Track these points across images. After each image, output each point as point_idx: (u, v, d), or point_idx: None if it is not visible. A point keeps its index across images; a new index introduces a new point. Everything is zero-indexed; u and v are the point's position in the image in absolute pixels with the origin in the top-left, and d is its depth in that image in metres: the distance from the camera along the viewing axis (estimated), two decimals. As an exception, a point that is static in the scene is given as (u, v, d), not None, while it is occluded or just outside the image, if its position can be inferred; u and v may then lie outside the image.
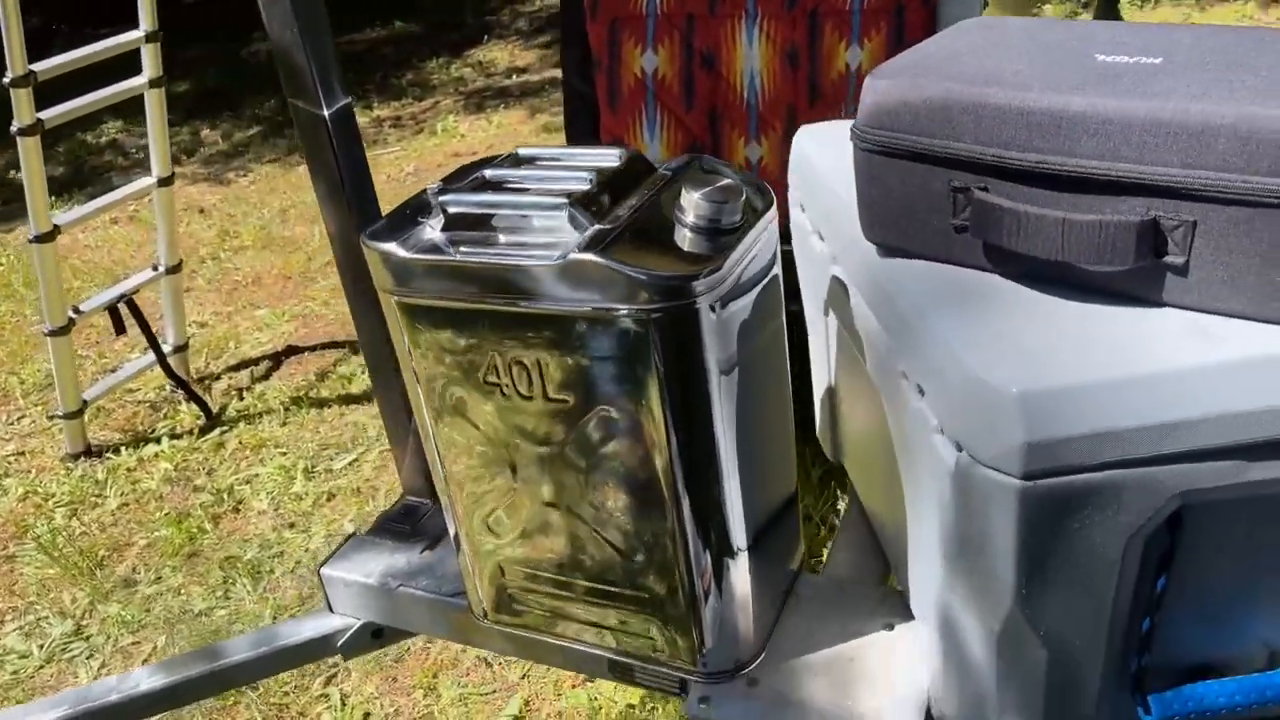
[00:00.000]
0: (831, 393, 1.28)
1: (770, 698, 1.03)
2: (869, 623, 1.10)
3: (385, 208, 4.05)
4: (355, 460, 2.77)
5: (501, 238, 0.93)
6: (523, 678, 2.04)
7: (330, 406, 3.03)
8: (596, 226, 0.89)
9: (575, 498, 1.00)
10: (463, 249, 0.92)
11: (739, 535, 0.99)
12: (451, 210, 0.95)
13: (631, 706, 1.90)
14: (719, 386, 0.91)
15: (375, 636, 1.34)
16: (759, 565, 1.04)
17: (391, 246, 0.94)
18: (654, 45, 1.77)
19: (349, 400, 3.04)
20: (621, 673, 1.15)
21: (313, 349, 3.37)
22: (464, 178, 1.04)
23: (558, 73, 5.97)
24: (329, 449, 2.84)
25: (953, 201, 0.83)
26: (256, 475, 2.78)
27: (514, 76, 6.09)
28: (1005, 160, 0.78)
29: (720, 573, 1.00)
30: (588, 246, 0.87)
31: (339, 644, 1.32)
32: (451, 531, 1.13)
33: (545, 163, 1.02)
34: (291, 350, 3.38)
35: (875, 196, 0.88)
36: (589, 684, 1.98)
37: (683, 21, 1.75)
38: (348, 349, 3.32)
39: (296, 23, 1.07)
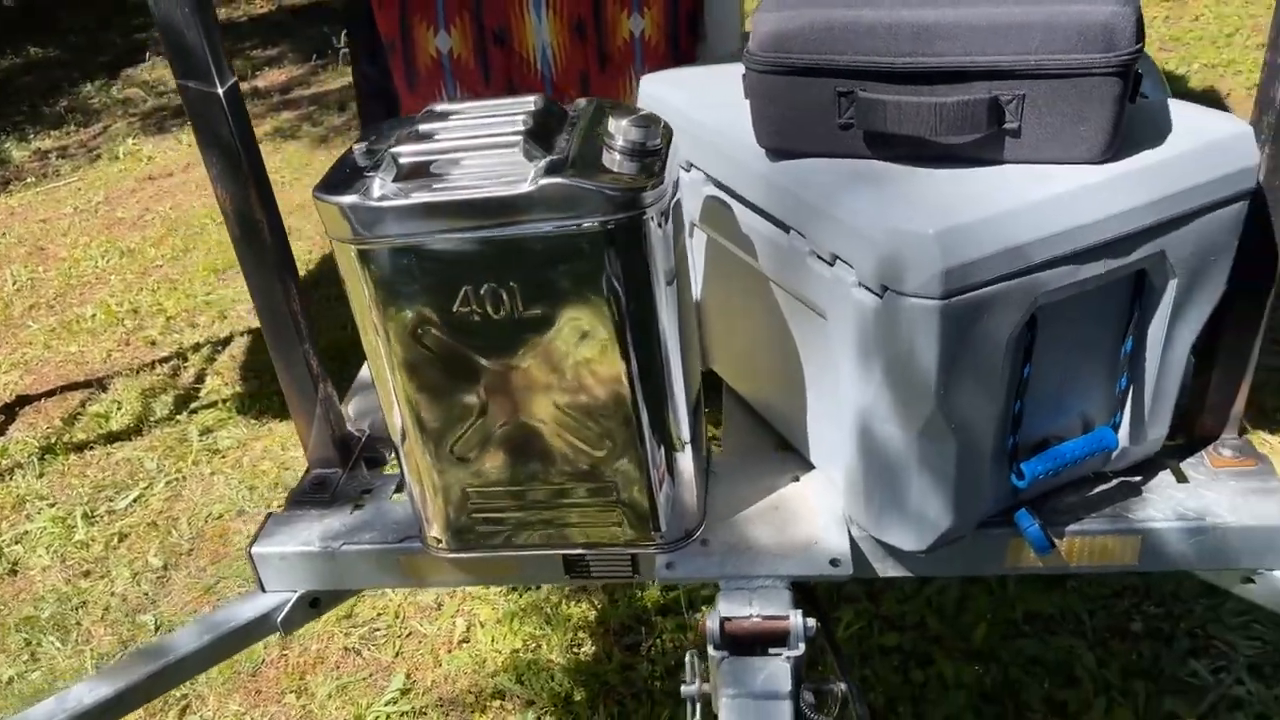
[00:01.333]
0: (699, 308, 1.47)
1: (722, 550, 1.22)
2: (779, 479, 1.32)
3: (81, 248, 3.88)
4: (140, 496, 2.61)
5: (457, 178, 1.03)
6: (397, 655, 2.07)
7: (93, 448, 2.81)
8: (549, 157, 1.02)
9: (544, 408, 1.13)
10: (430, 190, 1.01)
11: (683, 425, 1.16)
12: (404, 160, 1.04)
13: (516, 650, 2.01)
14: (663, 295, 1.07)
15: (313, 605, 1.37)
16: (694, 449, 1.21)
17: (355, 198, 1.02)
18: (446, 27, 1.87)
19: (112, 438, 2.84)
20: (577, 570, 1.29)
21: (50, 394, 3.09)
22: (385, 136, 1.12)
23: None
24: (105, 490, 2.65)
25: (838, 104, 1.04)
26: (26, 533, 2.55)
27: (190, 94, 5.74)
28: (879, 65, 1.00)
29: (670, 458, 1.17)
30: (552, 172, 1.00)
31: (279, 619, 1.34)
32: (407, 474, 1.21)
33: (468, 114, 1.13)
34: (24, 400, 3.08)
35: (769, 110, 1.08)
36: (466, 644, 2.06)
37: (472, 2, 1.86)
38: (94, 387, 3.08)
39: (187, 2, 1.10)
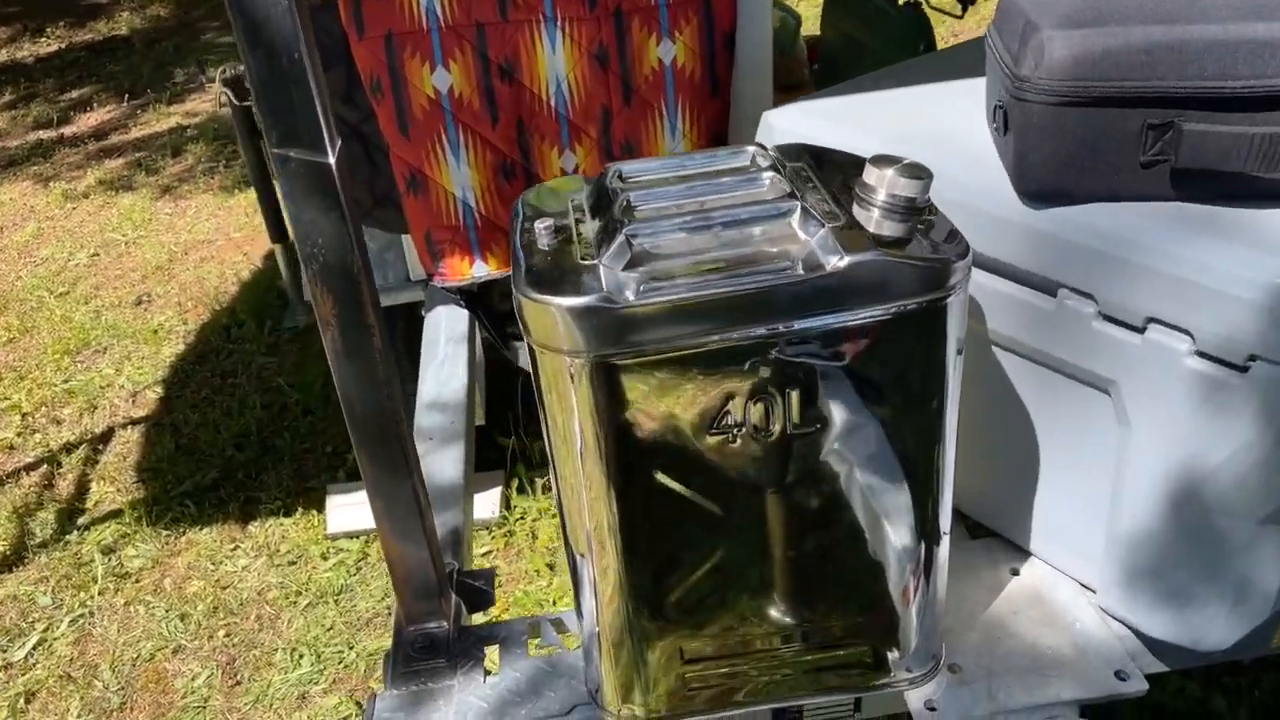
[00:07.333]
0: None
1: (983, 676, 1.01)
2: (998, 575, 1.13)
3: None
4: (41, 641, 2.14)
5: (719, 263, 0.78)
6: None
7: (-39, 589, 2.29)
8: (831, 225, 0.79)
9: (798, 538, 0.89)
10: (696, 281, 0.76)
11: (947, 514, 0.95)
12: (639, 242, 0.78)
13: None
14: (954, 380, 0.86)
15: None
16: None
17: (592, 299, 0.75)
18: (444, 61, 1.58)
19: (-16, 573, 2.33)
20: (787, 719, 1.05)
21: (-116, 526, 2.51)
22: (561, 207, 0.86)
23: (43, 134, 5.02)
24: (-10, 641, 2.15)
25: (1144, 138, 0.87)
26: (-108, 711, 2.02)
27: (-21, 145, 5.00)
28: (1209, 90, 0.84)
29: (930, 556, 0.95)
30: (859, 246, 0.77)
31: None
32: (598, 633, 0.94)
33: (671, 172, 0.88)
34: None
35: (1048, 147, 0.90)
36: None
37: (472, 32, 1.58)
38: (-55, 512, 2.53)
39: (290, 57, 0.80)
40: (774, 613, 0.93)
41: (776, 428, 0.82)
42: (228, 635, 2.11)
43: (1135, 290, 0.87)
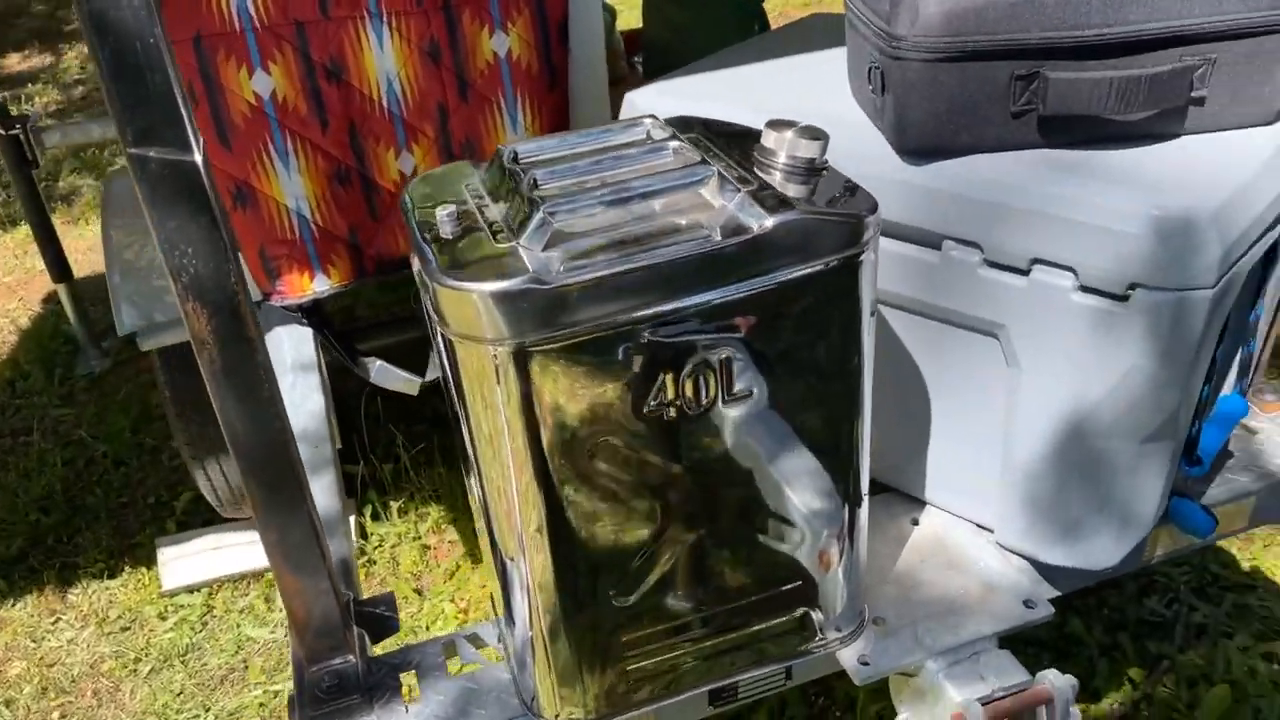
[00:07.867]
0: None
1: (906, 625, 1.04)
2: (901, 527, 1.16)
3: None
4: None
5: (639, 236, 0.76)
6: None
7: None
8: (747, 189, 0.79)
9: (734, 508, 0.88)
10: (623, 254, 0.73)
11: (865, 475, 0.97)
12: (558, 220, 0.74)
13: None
14: (869, 334, 0.87)
15: None
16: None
17: (517, 281, 0.71)
18: (263, 64, 1.47)
19: None
20: (723, 699, 1.04)
21: None
22: (459, 192, 0.82)
23: None
24: None
25: (1012, 90, 0.91)
26: None
27: None
28: (1068, 40, 0.89)
29: (853, 518, 0.97)
30: (780, 206, 0.77)
31: None
32: (529, 636, 0.90)
33: (572, 149, 0.84)
34: None
35: (925, 104, 0.92)
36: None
37: (291, 31, 1.48)
38: None
39: (146, 40, 0.71)
40: (709, 592, 0.91)
41: (707, 400, 0.80)
42: (63, 717, 1.90)
43: (1019, 234, 0.92)
